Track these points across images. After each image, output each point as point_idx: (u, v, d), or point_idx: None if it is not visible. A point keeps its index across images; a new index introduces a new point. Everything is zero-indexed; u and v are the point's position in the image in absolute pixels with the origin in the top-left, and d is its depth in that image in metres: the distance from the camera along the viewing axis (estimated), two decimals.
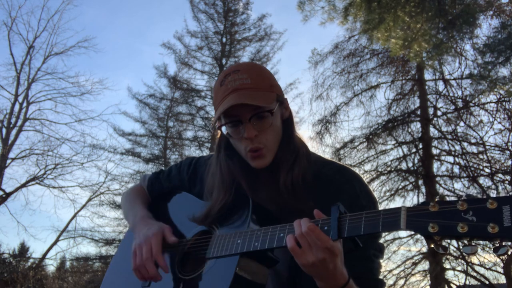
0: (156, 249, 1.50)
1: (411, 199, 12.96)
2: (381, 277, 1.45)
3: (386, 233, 12.30)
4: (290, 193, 1.46)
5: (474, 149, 12.61)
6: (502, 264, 11.81)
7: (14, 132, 18.62)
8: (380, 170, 13.24)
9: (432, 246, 1.06)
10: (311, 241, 1.20)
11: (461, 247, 1.00)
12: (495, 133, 12.30)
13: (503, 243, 0.97)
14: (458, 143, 12.69)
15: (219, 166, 1.59)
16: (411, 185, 13.17)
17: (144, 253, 1.49)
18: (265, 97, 1.47)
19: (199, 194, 1.69)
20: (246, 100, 1.43)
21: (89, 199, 18.64)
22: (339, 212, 1.22)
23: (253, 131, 1.45)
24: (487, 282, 11.82)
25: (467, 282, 12.05)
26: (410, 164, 13.27)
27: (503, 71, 8.50)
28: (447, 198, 1.08)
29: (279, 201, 1.47)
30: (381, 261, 1.46)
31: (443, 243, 1.05)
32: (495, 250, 0.97)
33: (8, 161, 17.95)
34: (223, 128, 1.51)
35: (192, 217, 1.58)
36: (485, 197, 1.01)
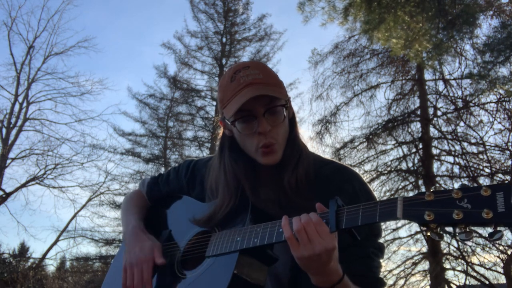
0: (147, 275, 1.52)
1: None
2: (381, 276, 1.45)
3: (386, 233, 12.32)
4: (294, 192, 1.47)
5: (474, 149, 12.63)
6: (502, 264, 11.82)
7: (14, 132, 18.65)
8: (380, 170, 13.25)
9: (429, 234, 1.07)
10: (310, 231, 1.21)
11: (457, 235, 1.01)
12: (495, 133, 12.32)
13: (498, 228, 0.99)
14: (458, 143, 12.70)
15: (223, 168, 1.57)
16: (411, 185, 13.17)
17: (136, 277, 1.52)
18: (279, 92, 1.48)
19: (199, 197, 1.69)
20: (264, 92, 1.42)
21: (89, 199, 18.67)
22: (337, 205, 1.24)
23: (267, 125, 1.45)
24: (487, 282, 11.81)
25: (467, 282, 12.05)
26: (410, 164, 13.28)
27: (503, 71, 8.53)
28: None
29: (283, 200, 1.47)
30: (381, 260, 1.46)
31: (439, 231, 1.06)
32: (491, 236, 0.99)
33: (8, 161, 17.98)
34: (237, 123, 1.48)
35: (193, 219, 1.57)
36: (479, 185, 1.03)
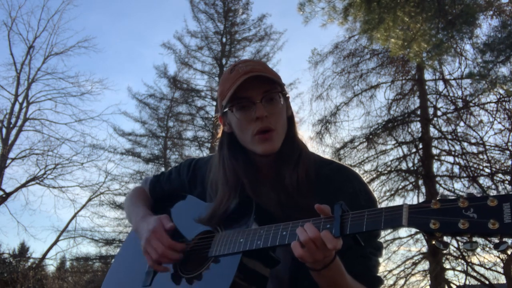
0: (165, 241, 1.54)
1: (411, 199, 12.98)
2: (379, 275, 1.46)
3: (386, 233, 12.31)
4: (295, 190, 1.47)
5: (474, 149, 12.64)
6: (502, 264, 11.82)
7: (14, 132, 18.64)
8: (380, 170, 13.25)
9: (434, 242, 1.07)
10: (319, 244, 1.22)
11: (461, 245, 1.01)
12: (495, 133, 12.33)
13: (503, 239, 0.99)
14: (458, 143, 12.70)
15: (222, 165, 1.58)
16: (411, 185, 13.18)
17: (157, 247, 1.53)
18: (277, 77, 1.53)
19: (201, 196, 1.69)
20: (261, 73, 1.47)
21: (89, 199, 18.67)
22: (342, 210, 1.23)
23: (264, 111, 1.46)
24: (487, 282, 11.82)
25: (467, 282, 12.06)
26: (410, 164, 13.28)
27: (503, 70, 8.53)
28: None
29: (284, 199, 1.48)
30: (379, 259, 1.47)
31: (444, 239, 1.06)
32: (496, 246, 0.99)
33: (8, 161, 17.97)
34: (234, 110, 1.51)
35: (198, 218, 1.58)
36: (485, 195, 1.03)
